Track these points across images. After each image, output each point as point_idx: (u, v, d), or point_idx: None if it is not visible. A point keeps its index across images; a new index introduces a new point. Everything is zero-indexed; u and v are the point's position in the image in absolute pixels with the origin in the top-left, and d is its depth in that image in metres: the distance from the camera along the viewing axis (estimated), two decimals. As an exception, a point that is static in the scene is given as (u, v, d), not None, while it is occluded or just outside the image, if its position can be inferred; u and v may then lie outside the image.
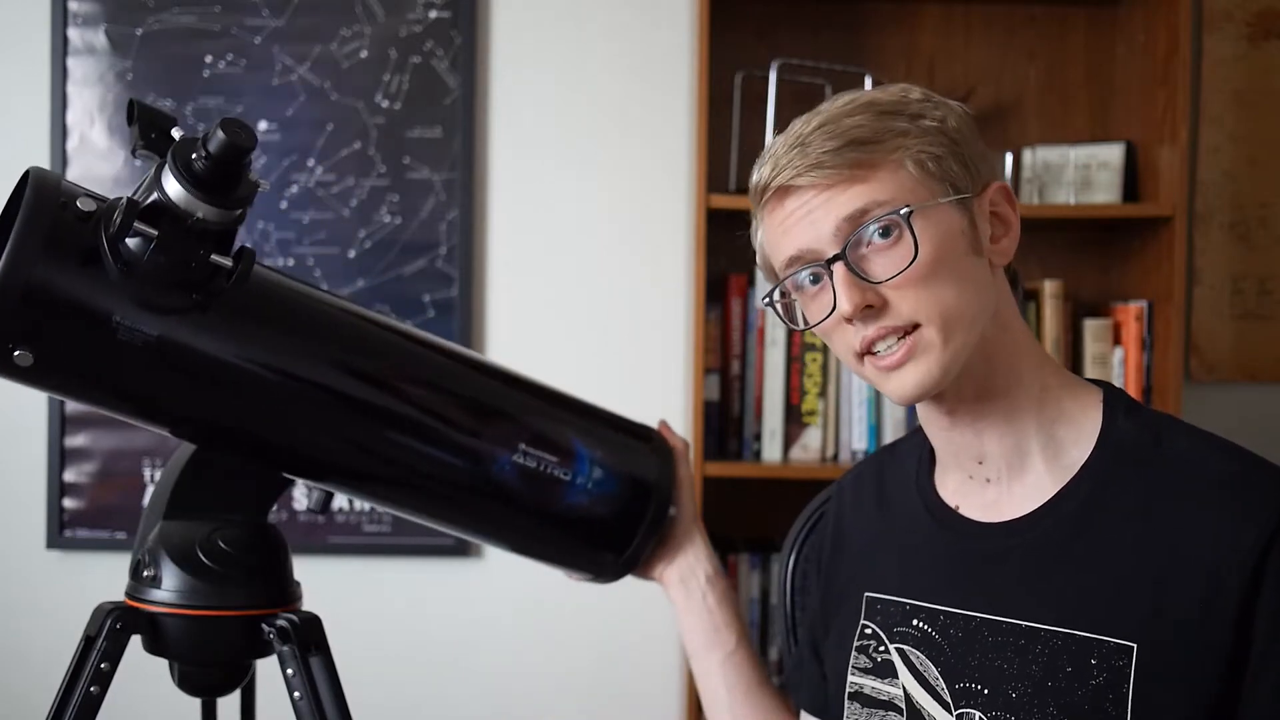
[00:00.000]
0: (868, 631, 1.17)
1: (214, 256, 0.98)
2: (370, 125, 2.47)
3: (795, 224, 1.06)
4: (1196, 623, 1.00)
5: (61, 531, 2.47)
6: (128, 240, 0.97)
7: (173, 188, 0.96)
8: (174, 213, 0.96)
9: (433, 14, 2.47)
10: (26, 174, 0.99)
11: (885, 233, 1.03)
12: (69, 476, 2.47)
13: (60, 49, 2.45)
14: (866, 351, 1.06)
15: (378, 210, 2.48)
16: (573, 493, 1.23)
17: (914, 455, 1.23)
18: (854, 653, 1.18)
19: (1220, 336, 2.56)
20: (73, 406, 2.46)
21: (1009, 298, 1.12)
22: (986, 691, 1.07)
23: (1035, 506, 1.09)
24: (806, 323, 1.09)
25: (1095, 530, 1.05)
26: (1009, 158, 2.40)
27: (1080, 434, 1.09)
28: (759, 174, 1.09)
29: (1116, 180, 2.39)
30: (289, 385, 1.08)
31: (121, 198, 0.98)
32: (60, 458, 2.47)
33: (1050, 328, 2.35)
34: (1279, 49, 2.56)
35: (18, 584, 2.50)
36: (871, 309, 1.04)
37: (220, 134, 0.94)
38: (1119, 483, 1.06)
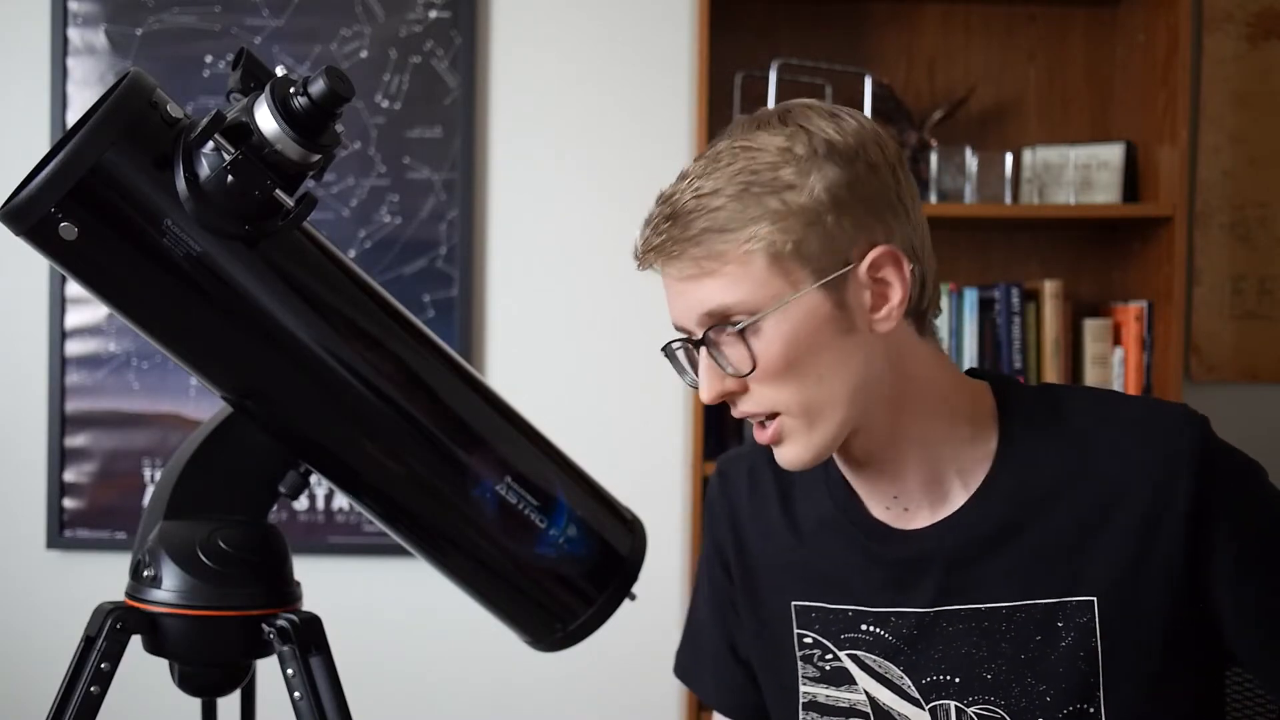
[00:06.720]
0: (808, 640, 1.15)
1: (278, 192, 1.00)
2: (370, 125, 2.47)
3: (669, 296, 1.05)
4: (1144, 555, 1.02)
5: (61, 531, 2.47)
6: (203, 156, 0.99)
7: (262, 115, 1.00)
8: (256, 138, 0.99)
9: (433, 14, 2.47)
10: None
11: (739, 325, 1.00)
12: (69, 476, 2.47)
13: (60, 49, 2.45)
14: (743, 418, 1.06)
15: (378, 210, 2.48)
16: (543, 543, 1.20)
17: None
18: (800, 663, 1.16)
19: (1220, 336, 2.56)
20: (73, 406, 2.46)
21: (912, 346, 1.06)
22: (958, 680, 1.07)
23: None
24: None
25: (1027, 507, 1.06)
26: (1009, 158, 2.40)
27: (989, 440, 1.08)
28: (639, 232, 1.05)
29: (1116, 180, 2.39)
30: (297, 349, 1.07)
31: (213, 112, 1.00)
32: (60, 458, 2.46)
33: (1050, 328, 2.35)
34: (1279, 49, 2.56)
35: (18, 584, 2.50)
36: (733, 393, 1.03)
37: (323, 79, 0.98)
38: (1034, 455, 1.07)
